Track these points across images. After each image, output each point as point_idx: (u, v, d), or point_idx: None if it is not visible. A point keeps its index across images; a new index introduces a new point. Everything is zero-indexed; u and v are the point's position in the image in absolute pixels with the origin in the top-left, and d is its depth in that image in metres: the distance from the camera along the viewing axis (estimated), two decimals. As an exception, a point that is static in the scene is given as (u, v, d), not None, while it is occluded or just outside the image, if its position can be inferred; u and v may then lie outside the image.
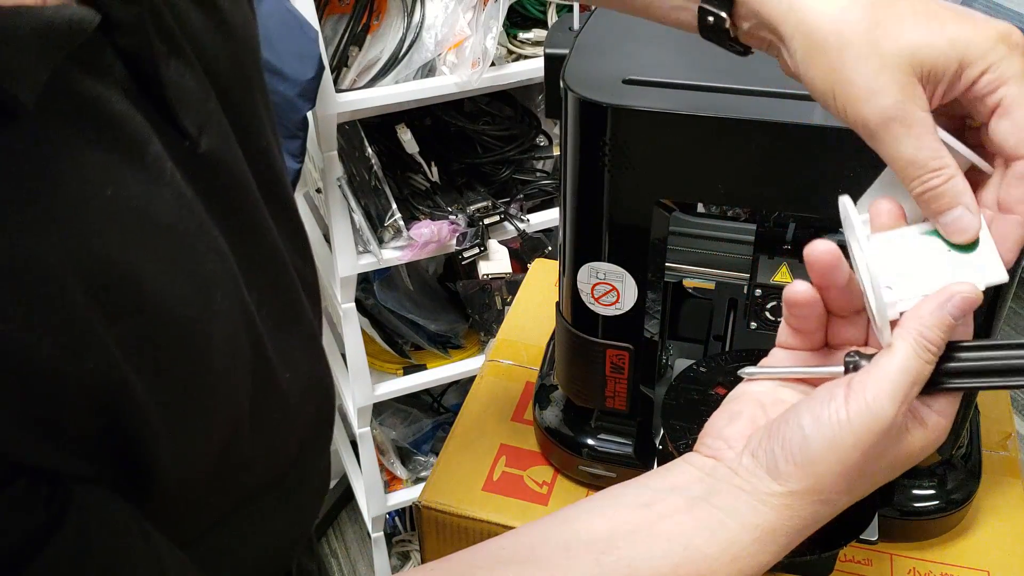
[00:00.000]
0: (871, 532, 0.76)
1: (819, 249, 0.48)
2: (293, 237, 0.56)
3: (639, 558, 0.47)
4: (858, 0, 0.46)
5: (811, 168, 0.65)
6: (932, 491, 0.79)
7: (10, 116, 0.35)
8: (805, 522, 0.47)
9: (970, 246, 0.47)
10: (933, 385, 0.46)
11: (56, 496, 0.38)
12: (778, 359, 0.54)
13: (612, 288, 0.75)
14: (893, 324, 0.47)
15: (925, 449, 0.47)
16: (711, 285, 0.93)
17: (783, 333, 0.53)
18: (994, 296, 0.68)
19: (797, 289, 0.50)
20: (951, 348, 0.47)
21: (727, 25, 0.51)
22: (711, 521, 0.47)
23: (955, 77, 0.45)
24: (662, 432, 0.78)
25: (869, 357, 0.48)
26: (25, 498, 0.37)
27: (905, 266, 0.48)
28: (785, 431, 0.47)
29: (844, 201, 0.50)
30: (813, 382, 0.53)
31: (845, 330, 0.52)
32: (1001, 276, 0.47)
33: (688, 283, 0.94)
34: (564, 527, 0.49)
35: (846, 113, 0.47)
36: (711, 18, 0.52)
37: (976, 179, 0.49)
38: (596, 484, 0.85)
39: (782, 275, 0.74)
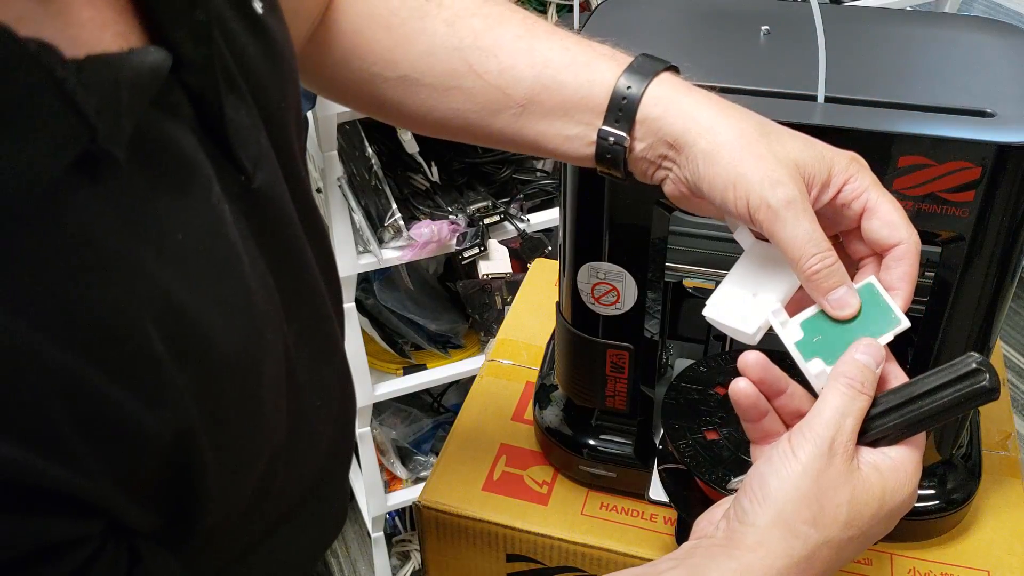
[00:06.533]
0: (871, 532, 0.76)
1: (740, 391, 0.54)
2: (325, 264, 0.56)
3: None
4: (748, 117, 0.55)
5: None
6: (932, 491, 0.79)
7: (103, 168, 0.35)
8: (781, 561, 0.49)
9: (870, 313, 0.54)
10: (867, 431, 0.52)
11: (136, 569, 0.38)
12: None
13: (612, 288, 0.75)
14: None
15: (896, 492, 0.51)
16: (711, 285, 0.93)
17: (750, 432, 0.57)
18: (994, 296, 0.68)
19: (739, 387, 0.54)
20: (881, 398, 0.52)
21: (627, 144, 0.56)
22: (690, 573, 0.50)
23: (825, 184, 0.53)
24: (662, 432, 0.78)
25: None
26: (112, 574, 0.37)
27: (826, 342, 0.55)
28: (746, 482, 0.52)
29: (769, 318, 0.56)
30: None
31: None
32: (903, 324, 0.53)
33: (688, 283, 0.94)
34: None
35: (748, 200, 0.52)
36: (611, 139, 0.56)
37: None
38: (596, 484, 0.85)
39: (782, 275, 0.74)
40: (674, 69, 0.58)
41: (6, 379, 0.31)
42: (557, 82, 0.58)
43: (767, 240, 0.56)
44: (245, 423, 0.44)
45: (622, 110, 0.56)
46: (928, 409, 0.50)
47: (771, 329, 0.57)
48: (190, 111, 0.41)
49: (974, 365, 0.49)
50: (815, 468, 0.49)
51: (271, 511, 0.51)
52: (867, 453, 0.51)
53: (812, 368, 0.54)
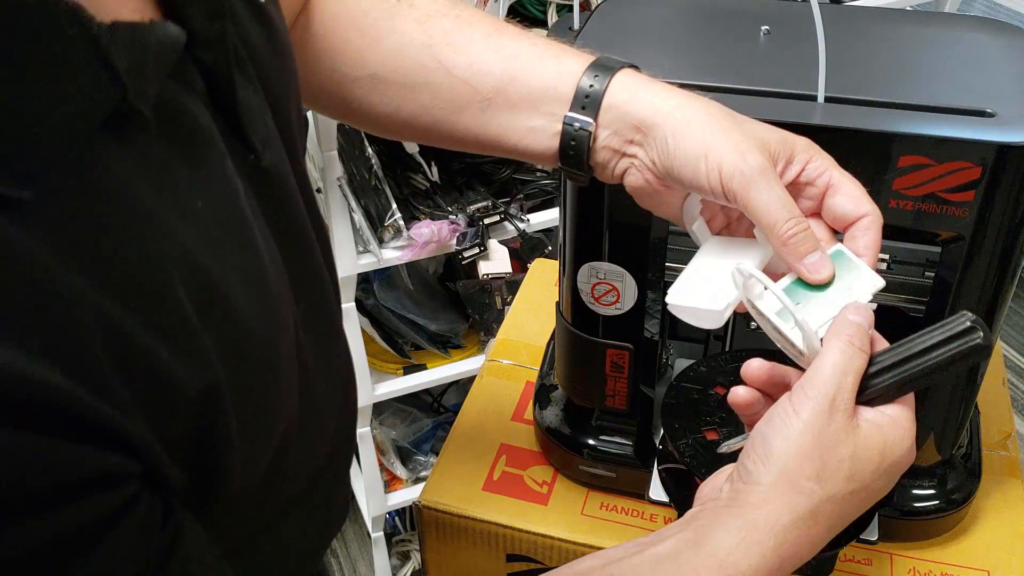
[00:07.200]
0: (871, 532, 0.76)
1: (740, 398, 0.56)
2: (325, 254, 0.57)
3: None
4: (711, 102, 0.57)
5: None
6: (932, 491, 0.79)
7: (131, 129, 0.36)
8: (786, 516, 0.49)
9: (845, 276, 0.55)
10: (864, 390, 0.52)
11: (169, 520, 0.39)
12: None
13: (612, 288, 0.75)
14: None
15: (895, 447, 0.51)
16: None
17: (746, 419, 0.58)
18: (994, 296, 0.68)
19: (739, 395, 0.56)
20: (876, 357, 0.52)
21: (592, 130, 0.58)
22: (696, 536, 0.50)
23: (789, 161, 0.55)
24: (662, 432, 0.78)
25: None
26: (148, 521, 0.37)
27: (805, 309, 0.55)
28: (749, 444, 0.52)
29: (744, 278, 0.56)
30: None
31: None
32: (879, 282, 0.55)
33: (688, 283, 0.94)
34: (565, 568, 0.52)
35: (720, 169, 0.53)
36: (577, 124, 0.58)
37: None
38: (596, 484, 0.85)
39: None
40: (635, 68, 0.60)
41: (53, 314, 0.33)
42: (525, 72, 0.60)
43: (722, 236, 0.58)
44: (264, 391, 0.45)
45: (588, 96, 0.58)
46: (923, 367, 0.51)
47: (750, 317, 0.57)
48: (203, 87, 0.42)
49: (968, 323, 0.49)
50: (817, 425, 0.50)
51: (282, 492, 0.52)
52: (865, 411, 0.52)
53: (795, 335, 0.54)
